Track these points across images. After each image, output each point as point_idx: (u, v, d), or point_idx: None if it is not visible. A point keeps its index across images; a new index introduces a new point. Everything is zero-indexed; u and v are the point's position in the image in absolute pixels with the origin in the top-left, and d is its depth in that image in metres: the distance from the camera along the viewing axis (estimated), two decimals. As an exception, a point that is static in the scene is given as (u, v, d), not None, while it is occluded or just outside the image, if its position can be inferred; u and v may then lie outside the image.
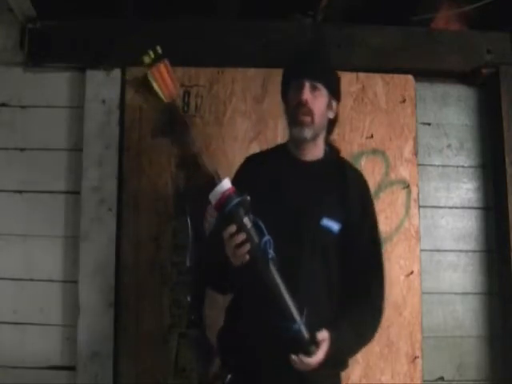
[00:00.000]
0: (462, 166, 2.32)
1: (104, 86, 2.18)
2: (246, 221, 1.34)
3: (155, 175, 2.16)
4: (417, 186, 2.23)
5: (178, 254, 2.11)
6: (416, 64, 2.27)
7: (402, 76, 2.26)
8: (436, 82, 2.34)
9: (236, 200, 1.33)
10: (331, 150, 1.67)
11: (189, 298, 2.06)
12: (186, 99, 2.19)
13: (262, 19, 2.24)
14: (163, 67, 1.45)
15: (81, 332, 2.08)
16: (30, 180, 2.18)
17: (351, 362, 2.05)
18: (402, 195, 2.21)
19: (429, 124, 2.32)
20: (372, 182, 2.19)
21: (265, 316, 1.40)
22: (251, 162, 1.69)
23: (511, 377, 2.16)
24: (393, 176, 2.22)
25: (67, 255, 2.15)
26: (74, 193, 2.17)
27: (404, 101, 2.25)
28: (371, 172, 2.21)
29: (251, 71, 2.22)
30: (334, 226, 1.52)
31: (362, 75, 2.26)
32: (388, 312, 2.12)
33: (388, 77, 2.26)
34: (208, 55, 2.19)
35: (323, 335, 1.37)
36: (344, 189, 1.58)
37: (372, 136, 2.23)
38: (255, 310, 1.46)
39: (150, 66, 1.45)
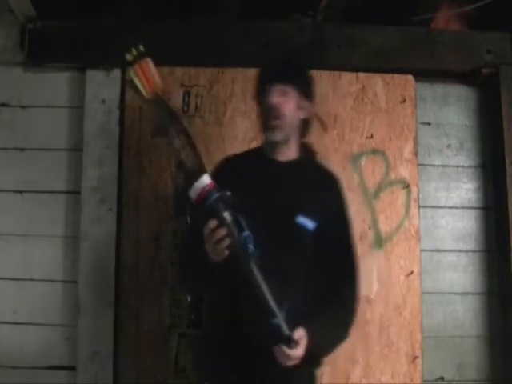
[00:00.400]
0: (462, 166, 2.32)
1: (104, 85, 2.18)
2: (227, 215, 1.36)
3: (155, 175, 2.16)
4: (417, 186, 2.23)
5: (178, 254, 2.11)
6: (416, 64, 2.27)
7: (402, 76, 2.27)
8: (436, 82, 2.34)
9: (216, 195, 1.36)
10: (306, 151, 1.70)
11: (189, 298, 2.06)
12: (186, 99, 2.20)
13: (262, 19, 2.24)
14: (145, 64, 1.47)
15: (81, 332, 2.08)
16: (30, 180, 2.18)
17: (351, 361, 2.06)
18: (402, 195, 2.21)
19: (429, 124, 2.32)
20: (372, 182, 2.20)
21: (246, 312, 1.43)
22: (227, 162, 1.70)
23: (511, 377, 2.16)
24: (393, 176, 2.22)
25: (67, 255, 2.15)
26: (74, 193, 2.17)
27: (404, 101, 2.25)
28: (371, 172, 2.21)
29: (251, 71, 2.21)
30: (310, 224, 1.54)
31: (362, 75, 2.26)
32: (388, 312, 2.14)
33: (388, 77, 2.26)
34: (208, 55, 2.19)
35: (299, 333, 1.38)
36: (317, 189, 1.61)
37: (372, 136, 2.23)
38: (237, 308, 1.48)
39: (133, 63, 1.47)
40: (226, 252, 1.36)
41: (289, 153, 1.64)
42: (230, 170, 1.62)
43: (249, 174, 1.59)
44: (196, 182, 1.37)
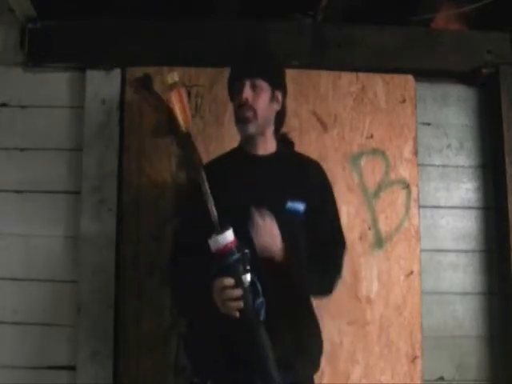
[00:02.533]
0: (462, 166, 2.32)
1: (104, 86, 2.18)
2: (245, 279, 1.34)
3: (155, 175, 2.16)
4: (417, 186, 2.23)
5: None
6: (416, 64, 2.26)
7: (401, 76, 2.26)
8: (436, 82, 2.33)
9: (237, 255, 1.34)
10: (284, 143, 1.72)
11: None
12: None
13: (262, 19, 2.23)
14: (181, 93, 1.49)
15: (81, 332, 2.08)
16: (30, 180, 2.17)
17: (351, 361, 2.05)
18: (402, 195, 2.21)
19: (429, 124, 2.32)
20: (372, 182, 2.20)
21: (237, 369, 1.41)
22: (210, 166, 1.71)
23: (511, 377, 2.16)
24: (393, 176, 2.22)
25: (67, 255, 2.15)
26: (74, 193, 2.17)
27: (404, 101, 2.25)
28: (371, 172, 2.21)
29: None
30: (300, 206, 1.56)
31: (362, 75, 2.25)
32: (388, 312, 2.14)
33: (388, 77, 2.26)
34: (208, 55, 2.19)
35: None
36: (301, 173, 1.63)
37: (372, 136, 2.23)
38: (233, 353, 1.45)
39: (171, 87, 1.48)
40: (237, 314, 1.34)
41: (267, 146, 1.66)
42: (213, 173, 1.61)
43: (231, 173, 1.61)
44: (219, 234, 1.34)
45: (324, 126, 2.22)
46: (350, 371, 2.10)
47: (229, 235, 1.35)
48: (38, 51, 2.18)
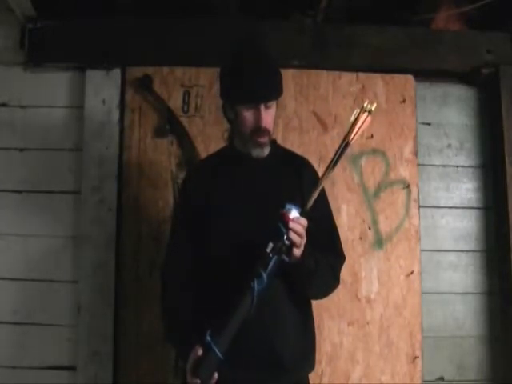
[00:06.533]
0: (462, 166, 2.32)
1: (104, 85, 2.18)
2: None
3: (155, 175, 2.16)
4: (417, 185, 2.23)
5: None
6: (416, 64, 2.26)
7: (401, 76, 2.27)
8: (436, 82, 2.34)
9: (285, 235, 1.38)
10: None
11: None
12: (186, 99, 2.20)
13: (262, 19, 2.23)
14: (368, 121, 1.51)
15: (81, 332, 2.08)
16: (30, 180, 2.18)
17: (351, 361, 2.04)
18: (402, 195, 2.21)
19: (429, 124, 2.32)
20: (372, 182, 2.20)
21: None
22: (205, 163, 1.70)
23: (511, 377, 2.16)
24: (393, 176, 2.22)
25: (67, 255, 2.15)
26: (74, 193, 2.17)
27: (404, 101, 2.25)
28: (371, 172, 2.21)
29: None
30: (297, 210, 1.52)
31: (362, 75, 2.26)
32: (388, 312, 2.14)
33: (388, 77, 2.26)
34: (208, 55, 2.19)
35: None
36: (298, 180, 1.60)
37: (372, 136, 2.23)
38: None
39: (365, 111, 1.50)
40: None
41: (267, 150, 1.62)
42: (210, 172, 1.61)
43: (229, 174, 1.59)
44: (294, 208, 1.40)
45: (324, 126, 2.22)
46: (350, 371, 2.11)
47: (294, 214, 1.39)
48: (38, 51, 2.18)
